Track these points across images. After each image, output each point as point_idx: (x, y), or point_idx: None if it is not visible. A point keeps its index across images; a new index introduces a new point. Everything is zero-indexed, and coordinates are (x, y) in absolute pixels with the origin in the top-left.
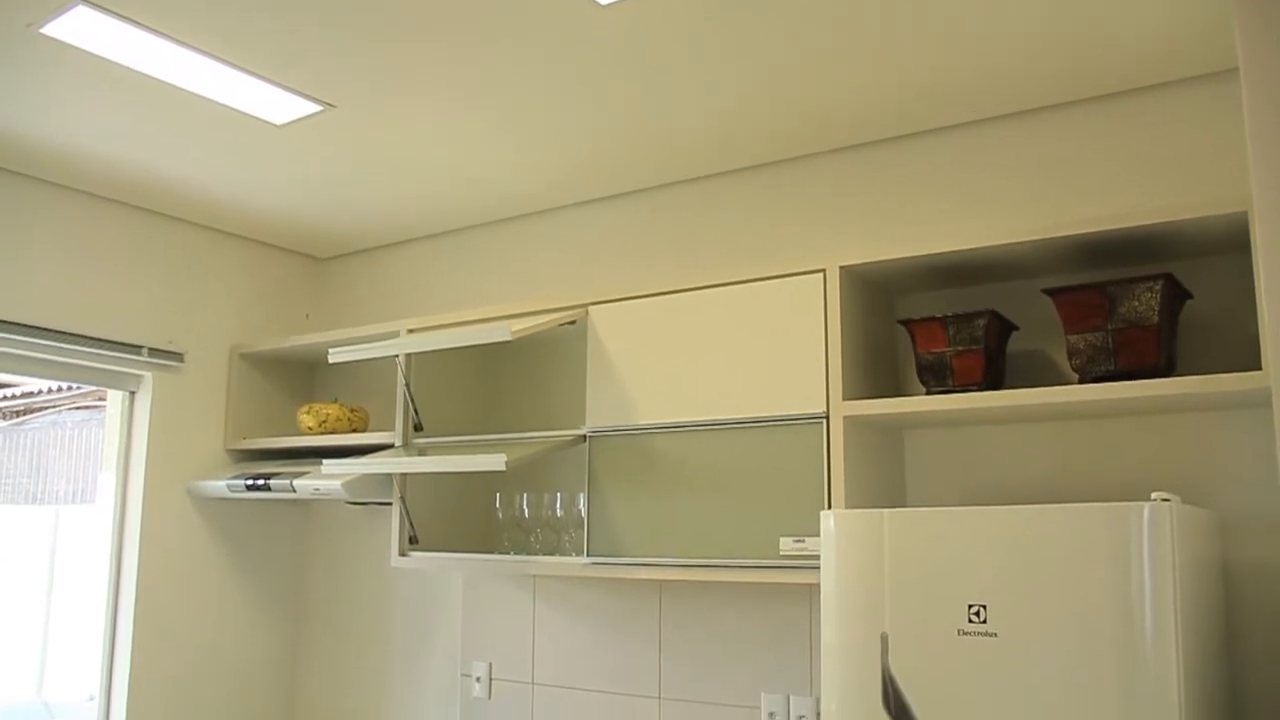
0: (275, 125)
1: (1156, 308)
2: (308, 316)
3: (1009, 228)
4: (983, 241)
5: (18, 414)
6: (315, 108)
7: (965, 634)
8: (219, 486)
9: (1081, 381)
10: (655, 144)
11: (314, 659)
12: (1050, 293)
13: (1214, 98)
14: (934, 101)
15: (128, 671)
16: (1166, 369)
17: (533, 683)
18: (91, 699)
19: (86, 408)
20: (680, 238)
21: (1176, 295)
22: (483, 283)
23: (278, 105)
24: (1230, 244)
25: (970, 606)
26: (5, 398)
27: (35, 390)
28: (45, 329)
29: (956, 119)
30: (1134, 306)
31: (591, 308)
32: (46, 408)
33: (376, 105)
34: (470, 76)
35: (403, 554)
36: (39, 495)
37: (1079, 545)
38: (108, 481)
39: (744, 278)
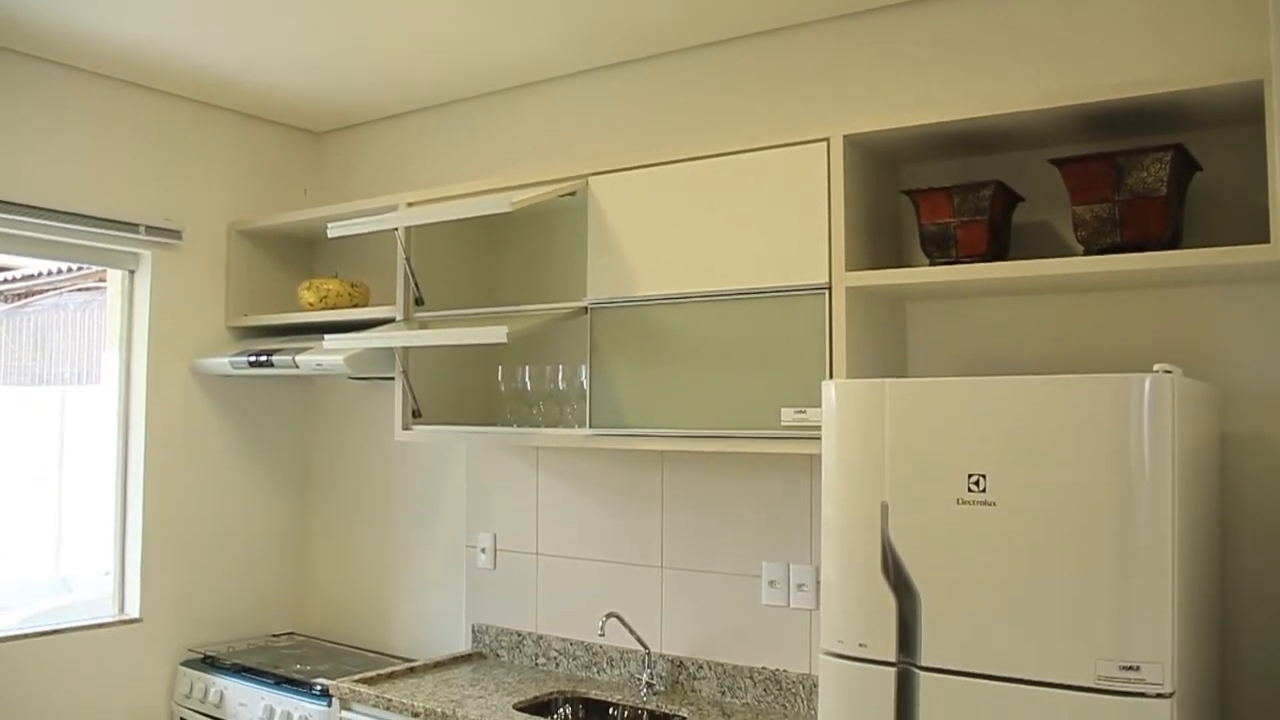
0: None
1: (1165, 179)
2: (305, 192)
3: (1016, 96)
4: (989, 110)
5: (19, 297)
6: None
7: (964, 503)
8: (221, 364)
9: (1087, 253)
10: (655, 9)
11: (321, 533)
12: (1057, 163)
13: None
14: None
15: (139, 546)
16: (1172, 241)
17: (537, 553)
18: (107, 573)
19: (88, 289)
20: (682, 108)
21: (1186, 167)
22: (482, 155)
23: None
24: (1242, 114)
25: (970, 476)
26: (6, 280)
27: (36, 272)
28: (41, 208)
29: None
30: (1142, 178)
31: (592, 179)
32: (48, 290)
33: None
34: None
35: (406, 428)
36: (44, 377)
37: (1079, 416)
38: (111, 361)
39: (746, 147)
